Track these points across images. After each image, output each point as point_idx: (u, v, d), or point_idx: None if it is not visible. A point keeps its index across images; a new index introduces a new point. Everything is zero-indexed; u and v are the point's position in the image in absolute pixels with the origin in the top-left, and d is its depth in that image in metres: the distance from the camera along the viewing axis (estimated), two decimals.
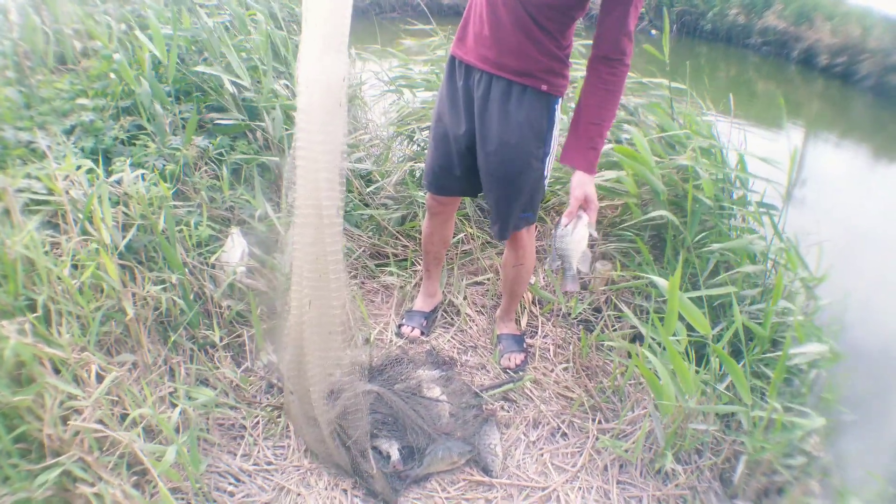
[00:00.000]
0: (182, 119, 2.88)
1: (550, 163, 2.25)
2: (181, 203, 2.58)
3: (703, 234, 2.76)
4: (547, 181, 2.31)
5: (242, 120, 2.96)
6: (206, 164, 2.80)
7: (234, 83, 3.07)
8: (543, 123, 2.15)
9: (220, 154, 2.84)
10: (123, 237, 2.20)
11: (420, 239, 2.79)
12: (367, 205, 3.21)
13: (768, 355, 2.40)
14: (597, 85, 2.02)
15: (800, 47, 9.41)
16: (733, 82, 8.64)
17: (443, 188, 2.44)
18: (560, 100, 2.16)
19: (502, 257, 2.60)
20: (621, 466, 2.21)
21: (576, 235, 2.05)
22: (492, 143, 2.16)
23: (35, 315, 1.88)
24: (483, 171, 2.25)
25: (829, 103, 8.46)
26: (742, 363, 2.33)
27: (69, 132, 2.70)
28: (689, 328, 2.17)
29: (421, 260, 2.85)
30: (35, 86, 3.00)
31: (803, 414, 2.10)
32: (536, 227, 2.82)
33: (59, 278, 1.97)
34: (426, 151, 2.47)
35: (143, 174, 2.41)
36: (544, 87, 2.09)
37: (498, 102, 2.11)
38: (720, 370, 2.27)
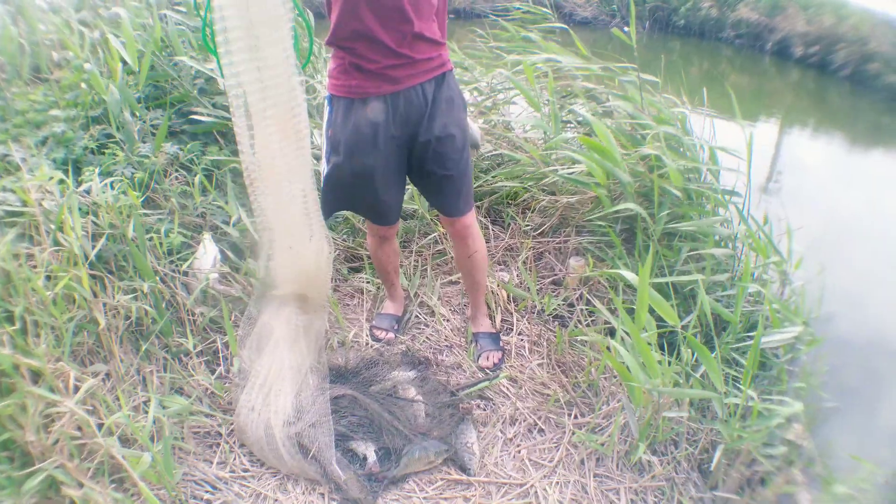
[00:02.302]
0: (152, 126, 2.87)
1: None
2: (151, 211, 2.57)
3: (674, 224, 2.76)
4: None
5: (219, 118, 2.96)
6: (177, 170, 2.79)
7: (203, 89, 3.08)
8: (461, 94, 2.30)
9: (192, 161, 2.83)
10: (94, 247, 2.20)
11: None
12: None
13: (742, 344, 2.41)
14: None
15: (774, 38, 9.40)
16: (707, 76, 8.66)
17: (390, 219, 2.47)
18: None
19: (454, 255, 2.60)
20: (598, 460, 2.22)
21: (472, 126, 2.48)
22: (439, 135, 2.19)
23: (13, 327, 1.89)
24: (432, 161, 2.24)
25: (804, 93, 8.48)
26: (714, 351, 2.35)
27: (42, 143, 2.70)
28: (662, 320, 2.19)
29: (378, 276, 2.84)
30: (10, 98, 3.00)
31: (782, 402, 2.11)
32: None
33: (34, 290, 1.97)
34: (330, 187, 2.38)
35: (111, 183, 2.40)
36: (450, 67, 2.23)
37: (432, 100, 2.17)
38: (693, 359, 2.29)
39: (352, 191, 2.30)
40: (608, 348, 2.24)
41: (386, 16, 1.98)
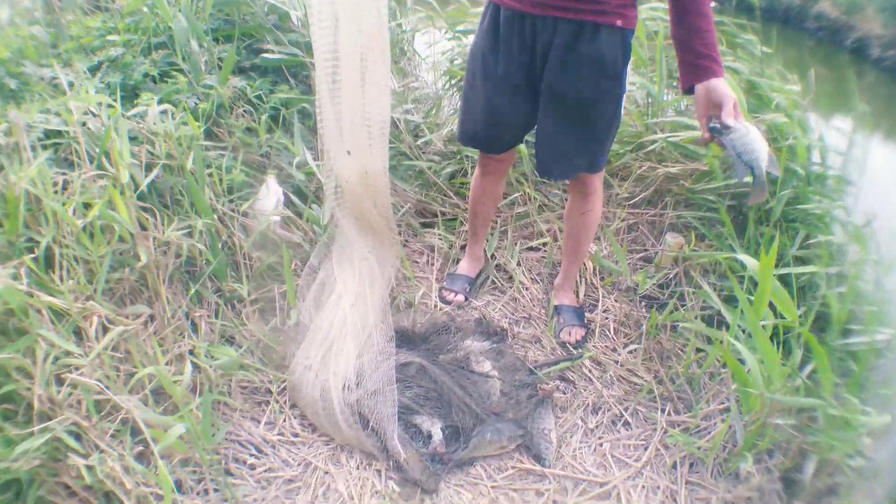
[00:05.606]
0: (219, 60, 2.64)
1: (623, 102, 2.06)
2: (212, 145, 2.36)
3: (792, 206, 2.47)
4: (620, 122, 2.11)
5: (292, 55, 2.73)
6: (244, 107, 2.56)
7: (276, 24, 2.85)
8: (619, 62, 1.92)
9: (259, 98, 2.60)
10: (146, 177, 1.97)
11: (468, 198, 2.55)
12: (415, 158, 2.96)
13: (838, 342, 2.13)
14: None
15: (853, 36, 9.11)
16: (788, 65, 8.43)
17: (496, 146, 2.21)
18: (633, 32, 1.93)
19: (567, 208, 2.34)
20: (691, 465, 1.95)
21: (754, 134, 1.67)
22: (564, 90, 1.92)
23: (33, 257, 1.66)
24: (551, 118, 2.00)
25: (877, 96, 8.13)
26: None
27: (96, 68, 2.50)
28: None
29: (467, 221, 2.60)
30: (65, 25, 2.81)
31: (864, 411, 1.84)
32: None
33: (64, 218, 1.74)
34: (461, 110, 2.23)
35: (171, 111, 2.18)
36: (619, 23, 1.86)
37: (567, 47, 1.87)
38: (801, 360, 2.00)
39: (469, 95, 2.15)
40: (720, 341, 1.95)
41: None
